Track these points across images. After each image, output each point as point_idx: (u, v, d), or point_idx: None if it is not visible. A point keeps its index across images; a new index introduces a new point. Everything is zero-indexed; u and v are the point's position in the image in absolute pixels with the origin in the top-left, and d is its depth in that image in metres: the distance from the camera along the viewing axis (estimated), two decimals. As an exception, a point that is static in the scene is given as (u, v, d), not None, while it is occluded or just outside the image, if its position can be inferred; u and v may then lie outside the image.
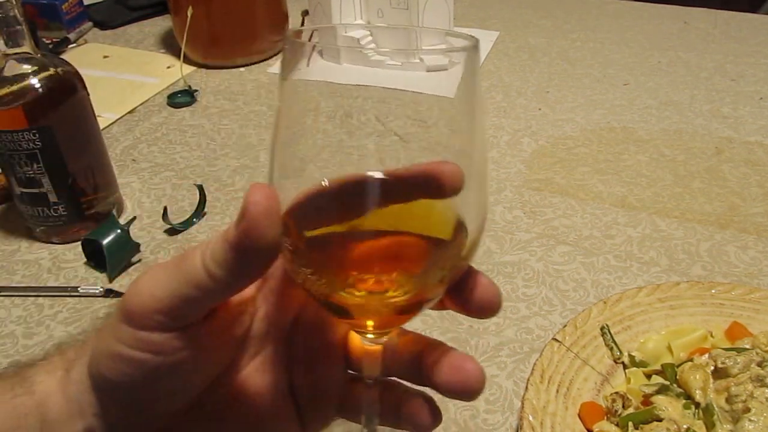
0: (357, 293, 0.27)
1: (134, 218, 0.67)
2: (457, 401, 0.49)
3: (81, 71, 0.64)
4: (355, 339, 0.33)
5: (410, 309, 0.29)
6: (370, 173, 0.26)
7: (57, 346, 0.35)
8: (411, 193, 0.27)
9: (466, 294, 0.29)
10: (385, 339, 0.31)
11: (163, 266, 0.27)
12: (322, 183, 0.26)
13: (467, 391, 0.30)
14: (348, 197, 0.26)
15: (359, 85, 0.27)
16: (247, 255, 0.25)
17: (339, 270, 0.27)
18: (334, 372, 0.34)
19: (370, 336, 0.30)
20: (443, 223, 0.28)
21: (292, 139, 0.27)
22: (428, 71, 0.26)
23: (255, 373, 0.32)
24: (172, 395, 0.29)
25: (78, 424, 0.30)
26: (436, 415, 0.32)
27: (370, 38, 0.80)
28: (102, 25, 1.17)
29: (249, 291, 0.31)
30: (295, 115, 0.27)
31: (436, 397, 0.32)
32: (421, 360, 0.31)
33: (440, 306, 0.30)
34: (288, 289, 0.32)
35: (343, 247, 0.27)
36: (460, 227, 0.27)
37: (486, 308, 0.30)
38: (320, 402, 0.34)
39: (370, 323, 0.29)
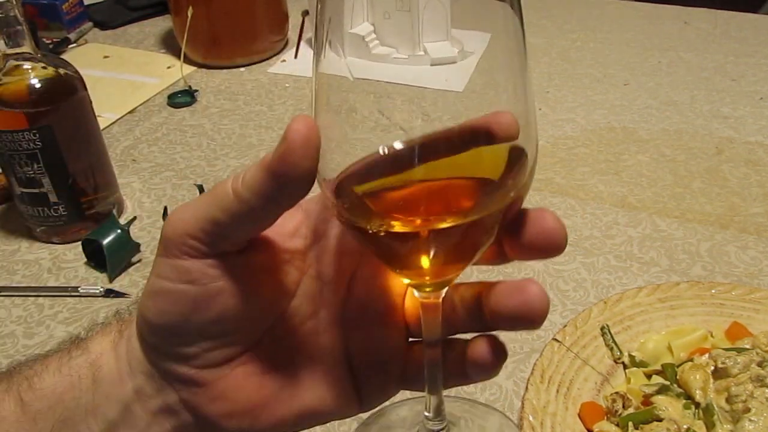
0: (412, 229, 0.26)
1: (134, 218, 0.67)
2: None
3: (81, 71, 0.64)
4: (412, 304, 0.32)
5: (466, 250, 0.28)
6: (426, 133, 0.26)
7: (115, 311, 0.35)
8: (466, 145, 0.27)
9: (523, 230, 0.28)
10: (443, 293, 0.30)
11: (198, 196, 0.28)
12: (380, 151, 0.27)
13: (529, 311, 0.28)
14: (402, 156, 0.27)
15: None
16: (279, 180, 0.25)
17: (394, 211, 0.27)
18: (393, 337, 0.32)
19: (427, 289, 0.29)
20: (493, 162, 0.28)
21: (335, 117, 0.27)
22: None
23: (309, 336, 0.31)
24: (215, 339, 0.29)
25: (128, 384, 0.30)
26: (499, 354, 0.30)
27: (374, 34, 0.80)
28: (102, 25, 1.17)
29: (296, 243, 0.30)
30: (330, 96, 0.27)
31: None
32: (480, 301, 0.30)
33: (501, 257, 0.29)
34: (342, 252, 0.31)
35: (397, 191, 0.27)
36: (510, 164, 0.27)
37: (546, 243, 0.27)
38: (380, 370, 0.32)
39: (426, 269, 0.28)
